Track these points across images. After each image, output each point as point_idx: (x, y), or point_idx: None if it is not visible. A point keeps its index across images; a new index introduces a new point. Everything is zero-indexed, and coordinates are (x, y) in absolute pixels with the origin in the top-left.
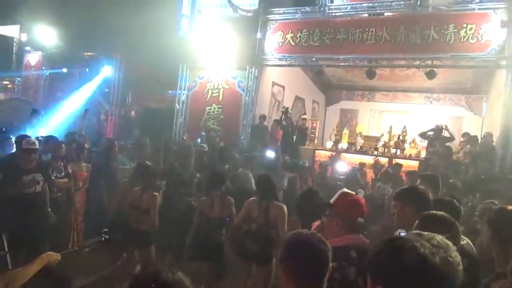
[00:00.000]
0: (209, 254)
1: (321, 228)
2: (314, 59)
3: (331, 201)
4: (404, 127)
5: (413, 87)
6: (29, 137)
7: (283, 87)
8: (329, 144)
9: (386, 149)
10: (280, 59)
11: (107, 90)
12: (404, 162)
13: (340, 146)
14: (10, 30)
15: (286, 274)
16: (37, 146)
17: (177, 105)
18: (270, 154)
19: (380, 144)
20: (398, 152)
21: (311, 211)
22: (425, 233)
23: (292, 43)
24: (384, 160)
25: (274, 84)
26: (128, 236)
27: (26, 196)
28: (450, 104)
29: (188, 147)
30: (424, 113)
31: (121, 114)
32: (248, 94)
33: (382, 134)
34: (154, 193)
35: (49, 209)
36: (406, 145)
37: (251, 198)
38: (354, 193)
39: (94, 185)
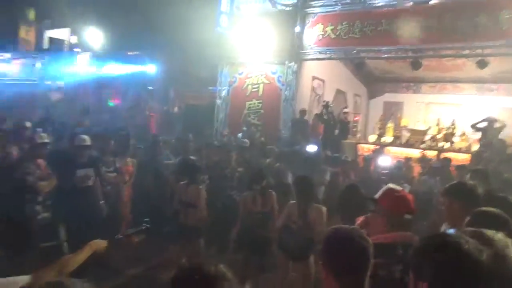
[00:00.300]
0: (253, 247)
1: (365, 224)
2: (355, 51)
3: (376, 196)
4: (454, 119)
5: (463, 77)
6: (81, 134)
7: (323, 81)
8: (372, 138)
9: (434, 143)
10: (320, 53)
11: (150, 87)
12: (454, 156)
13: (384, 140)
14: (61, 33)
15: (326, 269)
16: (89, 143)
17: (217, 101)
18: (311, 148)
19: (427, 137)
20: (447, 145)
21: (353, 207)
22: (474, 229)
23: (332, 36)
24: (431, 154)
25: (314, 78)
26: (177, 229)
27: (80, 189)
28: (504, 95)
29: (229, 143)
30: (475, 105)
31: (164, 110)
32: (287, 88)
33: (430, 127)
34: (199, 186)
35: (102, 202)
36: (456, 138)
37: (291, 202)
38: (400, 188)
39: (140, 180)
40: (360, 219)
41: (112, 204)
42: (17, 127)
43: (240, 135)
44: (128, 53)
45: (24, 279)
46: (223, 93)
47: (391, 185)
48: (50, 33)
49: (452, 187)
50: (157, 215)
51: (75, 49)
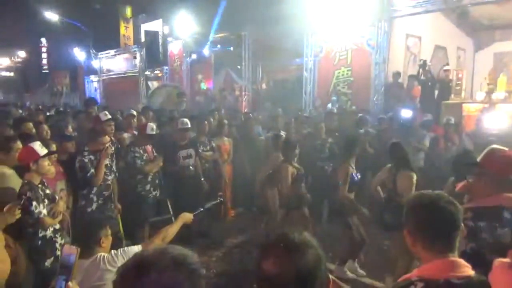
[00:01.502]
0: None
1: (467, 189)
2: None
3: (479, 159)
4: None
5: None
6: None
7: (420, 38)
8: (480, 96)
9: None
10: (414, 7)
11: (239, 67)
12: None
13: (495, 96)
14: (155, 25)
15: (412, 237)
16: (189, 125)
17: (304, 73)
18: (406, 113)
19: None
20: None
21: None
22: None
23: None
24: None
25: (408, 36)
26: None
27: (183, 168)
28: None
29: (318, 114)
30: None
31: (253, 88)
32: (378, 51)
33: None
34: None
35: (202, 179)
36: None
37: (387, 166)
38: (506, 148)
39: (237, 157)
40: (460, 185)
41: (213, 181)
42: (125, 116)
43: (329, 105)
44: (216, 35)
45: (136, 248)
46: (310, 64)
47: (494, 146)
48: (145, 27)
49: None
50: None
51: (168, 38)
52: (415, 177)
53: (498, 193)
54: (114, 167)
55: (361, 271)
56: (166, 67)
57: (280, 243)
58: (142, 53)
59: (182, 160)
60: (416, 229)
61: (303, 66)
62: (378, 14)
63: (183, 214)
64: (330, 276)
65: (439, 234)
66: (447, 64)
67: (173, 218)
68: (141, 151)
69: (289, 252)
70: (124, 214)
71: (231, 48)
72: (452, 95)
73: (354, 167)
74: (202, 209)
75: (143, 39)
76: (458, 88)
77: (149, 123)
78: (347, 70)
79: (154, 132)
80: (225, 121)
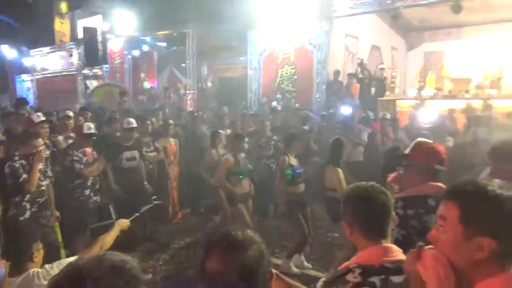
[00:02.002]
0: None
1: (398, 179)
2: (390, 1)
3: (407, 151)
4: (501, 63)
5: (511, 17)
6: (117, 118)
7: (357, 38)
8: (412, 92)
9: (479, 91)
10: (351, 8)
11: (183, 65)
12: (503, 103)
13: (424, 93)
14: (93, 21)
15: (350, 227)
16: (135, 125)
17: (249, 71)
18: (346, 110)
19: (472, 86)
20: (495, 92)
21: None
22: None
23: None
24: (477, 104)
25: (347, 36)
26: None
27: (126, 171)
28: None
29: (263, 112)
30: None
31: (198, 86)
32: (320, 50)
33: (474, 75)
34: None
35: (146, 183)
36: (505, 84)
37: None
38: (430, 141)
39: (183, 158)
40: (392, 175)
41: (158, 183)
42: (61, 118)
43: (274, 103)
44: (159, 33)
45: (73, 259)
46: (254, 63)
47: (420, 139)
48: (83, 23)
49: (498, 148)
50: (199, 190)
51: (107, 35)
52: (339, 171)
53: (425, 183)
54: (49, 172)
55: (307, 264)
56: (106, 66)
57: (222, 241)
58: (79, 50)
59: (125, 162)
60: (352, 219)
61: (247, 64)
62: (319, 14)
63: (119, 221)
64: (273, 271)
65: (373, 222)
66: (382, 63)
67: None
68: (80, 154)
69: (232, 250)
70: (63, 222)
71: (175, 46)
72: (387, 92)
73: (295, 160)
74: (137, 214)
75: (80, 36)
76: (392, 85)
77: (85, 123)
78: (291, 69)
79: (92, 131)
80: (171, 121)
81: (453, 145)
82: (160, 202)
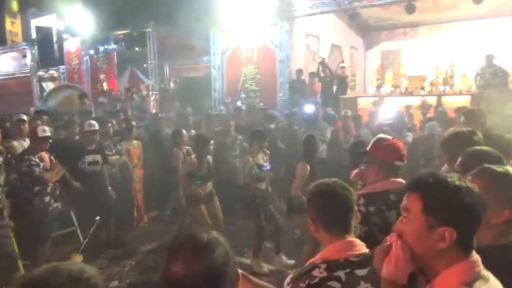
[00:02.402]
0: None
1: (360, 176)
2: (347, 1)
3: (368, 148)
4: (452, 60)
5: (460, 16)
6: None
7: (318, 37)
8: (371, 90)
9: (433, 88)
10: (311, 8)
11: (145, 65)
12: (455, 99)
13: (383, 90)
14: (48, 21)
15: (314, 222)
16: (97, 127)
17: (213, 70)
18: (309, 108)
19: (427, 82)
20: (448, 88)
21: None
22: None
23: None
24: (432, 100)
25: (307, 35)
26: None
27: (88, 175)
28: (503, 28)
29: (227, 111)
30: (473, 43)
31: (161, 87)
32: (282, 49)
33: (428, 72)
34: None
35: (110, 188)
36: (457, 80)
37: None
38: (390, 137)
39: (147, 160)
40: (354, 172)
41: (121, 187)
42: (14, 122)
43: (239, 102)
44: (118, 32)
45: None
46: (217, 62)
47: (380, 135)
48: (36, 22)
49: (447, 140)
50: (165, 193)
51: (63, 35)
52: (308, 168)
53: (385, 179)
54: (1, 180)
55: (290, 261)
56: (63, 67)
57: (187, 244)
58: (33, 51)
59: (87, 165)
60: (317, 215)
61: (211, 64)
62: (280, 14)
63: None
64: (239, 271)
65: (336, 217)
66: (343, 61)
67: (78, 230)
68: (37, 159)
69: (197, 252)
70: (22, 231)
71: (135, 46)
72: (349, 90)
73: (260, 157)
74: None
75: (34, 36)
76: (353, 83)
77: (40, 126)
78: (254, 68)
79: (48, 134)
80: (134, 123)
81: (412, 140)
82: (99, 219)
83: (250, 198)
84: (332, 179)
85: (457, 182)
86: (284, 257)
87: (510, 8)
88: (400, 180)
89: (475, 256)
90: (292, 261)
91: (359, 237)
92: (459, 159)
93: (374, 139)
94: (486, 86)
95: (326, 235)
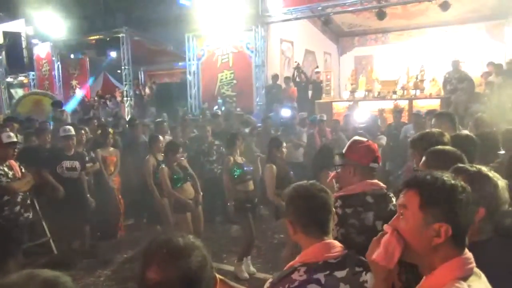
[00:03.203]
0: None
1: (336, 178)
2: (320, 8)
3: (343, 150)
4: (422, 65)
5: (428, 22)
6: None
7: (292, 43)
8: (346, 95)
9: (405, 92)
10: (285, 14)
11: (118, 71)
12: (426, 102)
13: (357, 95)
14: (16, 25)
15: (293, 225)
16: (73, 133)
17: (188, 76)
18: (285, 112)
19: (399, 87)
20: (418, 92)
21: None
22: None
23: None
24: (403, 103)
25: (282, 40)
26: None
27: (65, 181)
28: (469, 34)
29: (204, 117)
30: (442, 48)
31: (136, 93)
32: (257, 55)
33: (400, 77)
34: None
35: (89, 196)
36: (427, 84)
37: None
38: (365, 139)
39: (124, 167)
40: (331, 175)
41: (98, 195)
42: None
43: (216, 108)
44: (90, 37)
45: None
46: (193, 68)
47: (356, 137)
48: (4, 27)
49: (417, 139)
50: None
51: (33, 40)
52: (274, 168)
53: (361, 180)
54: None
55: (253, 269)
56: (33, 73)
57: (162, 249)
58: (1, 56)
59: (65, 171)
60: (295, 217)
61: (186, 69)
62: (255, 19)
63: None
64: (217, 276)
65: (315, 219)
66: (317, 66)
67: (51, 241)
68: (6, 168)
69: (172, 257)
70: None
71: (108, 51)
72: (324, 95)
73: (240, 159)
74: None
75: (1, 41)
76: (328, 88)
77: (4, 132)
78: (230, 73)
79: (14, 140)
80: (110, 130)
81: (386, 143)
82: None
83: (238, 201)
84: (310, 182)
85: (452, 181)
86: (249, 262)
87: (476, 15)
88: (376, 181)
89: (468, 253)
90: (254, 270)
91: (336, 239)
92: (423, 158)
93: (350, 141)
94: (453, 90)
95: (305, 237)
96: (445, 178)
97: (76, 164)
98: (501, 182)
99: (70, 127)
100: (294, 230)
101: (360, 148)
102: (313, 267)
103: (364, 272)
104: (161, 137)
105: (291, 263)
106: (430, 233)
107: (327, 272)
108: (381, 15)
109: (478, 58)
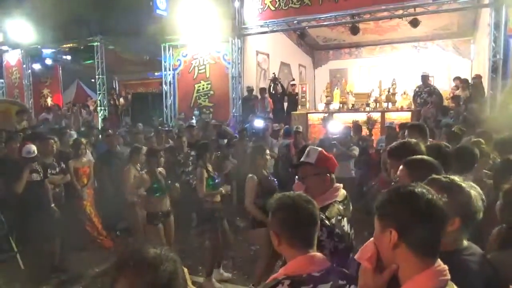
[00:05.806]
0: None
1: (305, 189)
2: (296, 21)
3: (311, 160)
4: (394, 79)
5: (400, 38)
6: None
7: (268, 55)
8: (321, 106)
9: (377, 104)
10: (261, 26)
11: (92, 80)
12: (397, 115)
13: (332, 107)
14: None
15: (278, 236)
16: (36, 153)
17: (164, 86)
18: (258, 123)
19: (372, 99)
20: (390, 105)
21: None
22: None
23: (272, 8)
24: (376, 116)
25: (258, 53)
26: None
27: (28, 196)
28: (438, 50)
29: (180, 127)
30: (412, 63)
31: (110, 103)
32: (234, 66)
33: (373, 90)
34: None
35: (53, 205)
36: (398, 97)
37: None
38: (319, 149)
39: (98, 177)
40: (298, 185)
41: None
42: None
43: (192, 119)
44: (64, 45)
45: None
46: (169, 78)
47: (312, 147)
48: None
49: (395, 148)
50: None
51: (2, 47)
52: (255, 178)
53: (330, 188)
54: None
55: (227, 274)
56: (2, 80)
57: (130, 261)
58: None
59: (29, 175)
60: (280, 229)
61: (162, 79)
62: (232, 31)
63: None
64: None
65: (300, 231)
66: (293, 79)
67: (18, 255)
68: None
69: (139, 270)
70: None
71: (82, 60)
72: (299, 107)
73: (211, 170)
74: None
75: None
76: (303, 100)
77: None
78: (207, 84)
79: None
80: (83, 140)
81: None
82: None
83: (208, 212)
84: (296, 193)
85: (411, 188)
86: (221, 271)
87: (444, 32)
88: (338, 184)
89: (442, 265)
90: (229, 275)
91: (330, 252)
92: (401, 167)
93: (310, 151)
94: (423, 103)
95: (290, 249)
96: (404, 189)
97: (36, 165)
98: (474, 192)
99: (34, 148)
100: (278, 241)
101: (329, 157)
102: (297, 280)
103: (347, 286)
104: (144, 149)
105: (274, 275)
106: (386, 239)
107: (311, 285)
108: (354, 30)
109: (446, 73)
